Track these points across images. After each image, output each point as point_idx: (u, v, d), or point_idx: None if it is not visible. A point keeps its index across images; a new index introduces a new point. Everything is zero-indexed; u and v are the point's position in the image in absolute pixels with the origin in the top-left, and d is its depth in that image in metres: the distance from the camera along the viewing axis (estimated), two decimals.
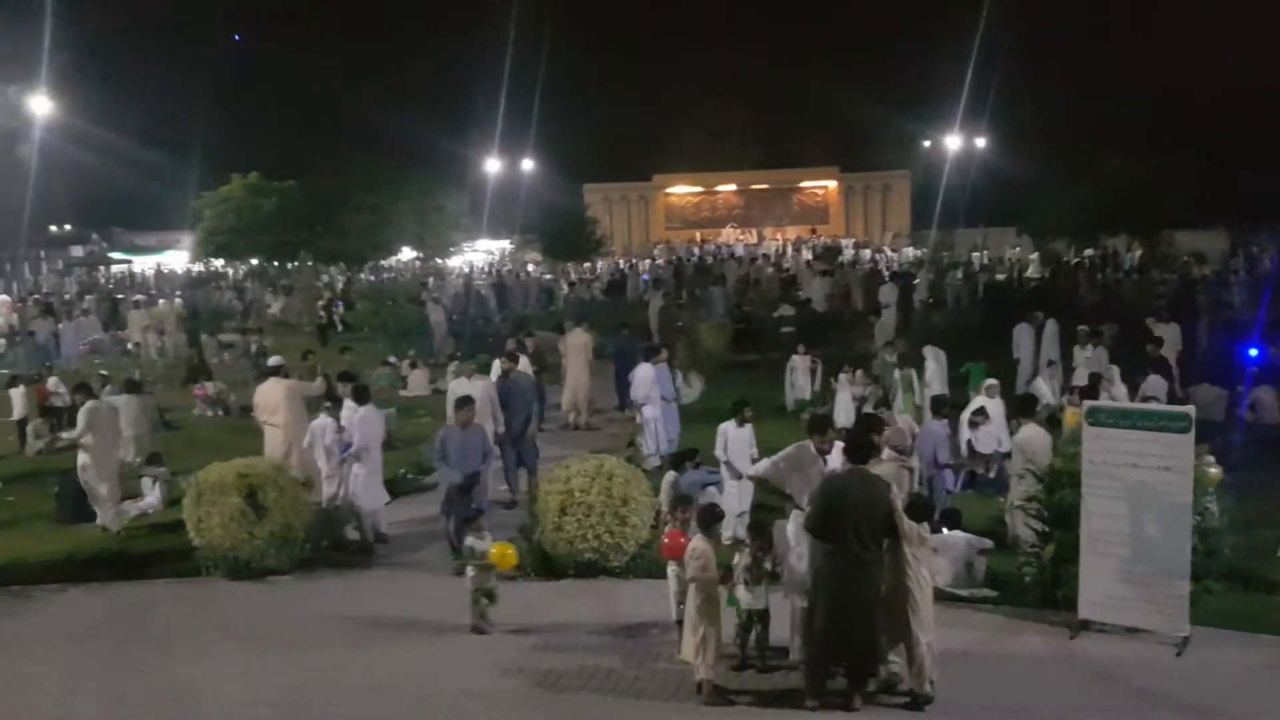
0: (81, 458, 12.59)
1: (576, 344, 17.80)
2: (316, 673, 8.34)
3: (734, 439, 11.23)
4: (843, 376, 16.05)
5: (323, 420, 11.73)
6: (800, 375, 18.09)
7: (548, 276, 47.41)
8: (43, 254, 64.55)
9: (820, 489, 7.49)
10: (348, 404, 12.05)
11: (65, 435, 13.08)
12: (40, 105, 40.98)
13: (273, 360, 14.97)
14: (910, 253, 54.13)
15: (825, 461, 8.12)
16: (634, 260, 57.22)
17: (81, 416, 12.60)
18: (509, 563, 8.95)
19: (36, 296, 41.52)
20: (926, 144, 62.59)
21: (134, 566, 10.97)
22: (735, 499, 10.99)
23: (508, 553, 8.94)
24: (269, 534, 10.48)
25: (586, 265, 52.33)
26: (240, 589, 10.35)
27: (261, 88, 67.32)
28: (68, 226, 69.88)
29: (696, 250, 61.85)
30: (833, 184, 74.84)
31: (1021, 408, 11.60)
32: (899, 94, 63.78)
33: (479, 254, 63.83)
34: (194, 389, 20.42)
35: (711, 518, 8.00)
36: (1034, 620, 8.84)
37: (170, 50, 70.60)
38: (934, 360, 16.08)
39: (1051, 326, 18.45)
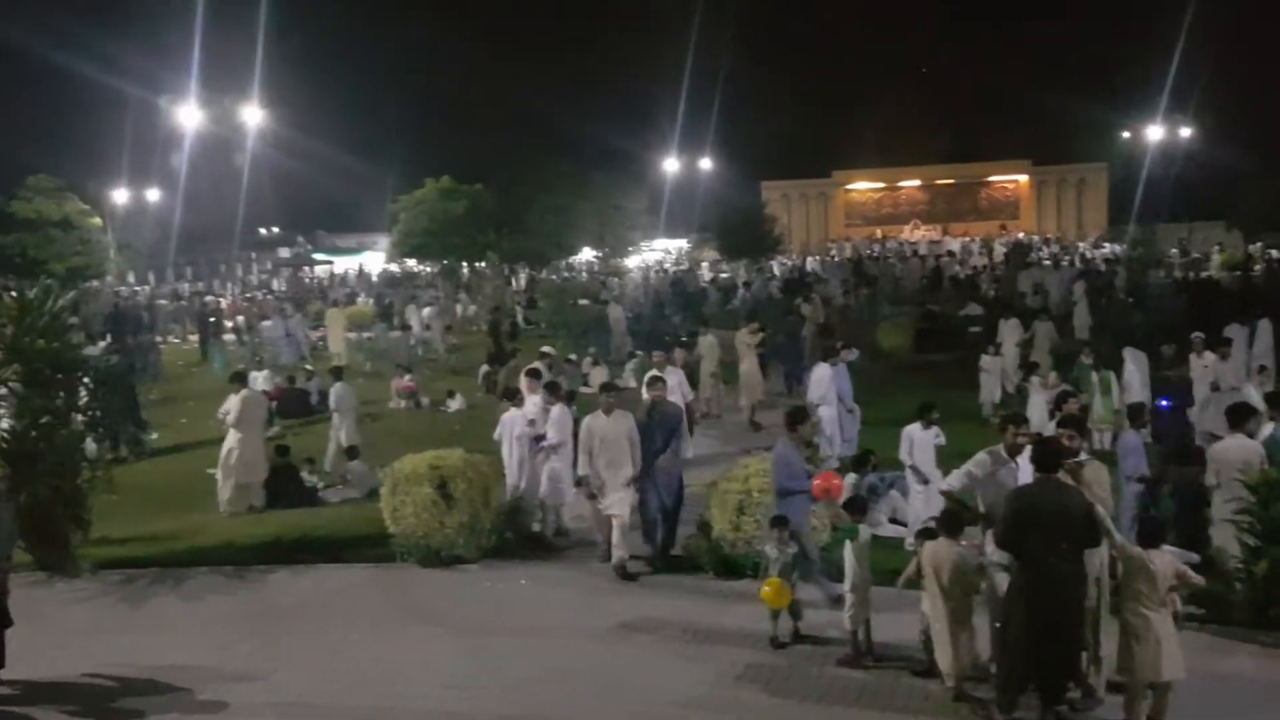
0: (230, 440, 13.52)
1: (746, 342, 17.94)
2: (500, 659, 8.62)
3: (919, 442, 10.93)
4: (1035, 379, 15.40)
5: (511, 414, 12.13)
6: (990, 377, 17.48)
7: (724, 275, 47.43)
8: (253, 255, 69.26)
9: (1008, 500, 7.17)
10: (531, 400, 12.43)
11: (222, 415, 14.08)
12: (252, 115, 43.92)
13: (545, 348, 16.01)
14: (1109, 249, 51.44)
15: (1017, 464, 7.80)
16: (812, 258, 56.59)
17: (234, 404, 13.58)
18: (782, 602, 8.47)
19: (287, 293, 44.44)
20: (1125, 135, 59.30)
21: (335, 550, 11.62)
22: (921, 505, 10.70)
23: (780, 589, 8.41)
24: (458, 524, 10.91)
25: (771, 263, 52.09)
26: (431, 575, 10.81)
27: (455, 94, 70.03)
28: (276, 229, 74.64)
29: (877, 247, 60.64)
30: (1024, 178, 72.01)
31: (1231, 417, 10.73)
32: (1096, 82, 60.77)
33: (656, 253, 64.51)
34: (393, 382, 21.48)
35: (956, 523, 7.70)
36: (1244, 640, 8.28)
37: (370, 60, 74.40)
38: (1133, 363, 15.23)
39: (1265, 328, 17.17)
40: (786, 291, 38.05)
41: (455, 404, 20.34)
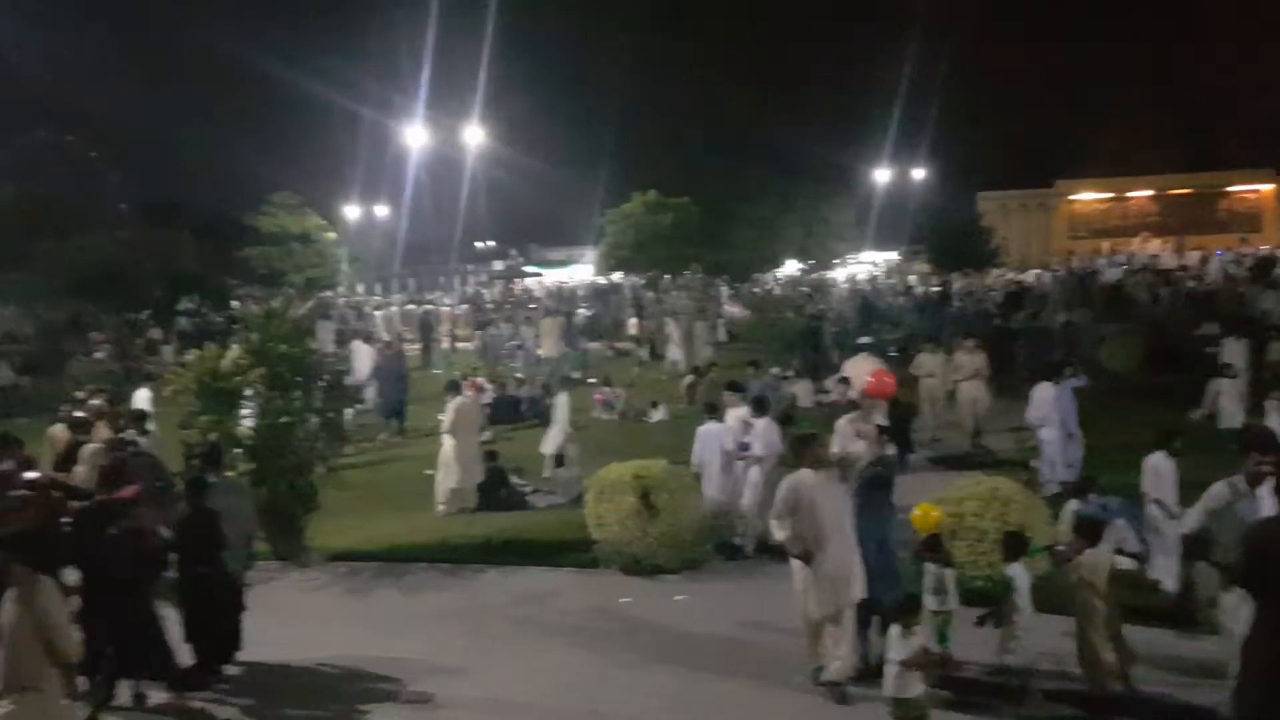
0: (446, 445, 14.06)
1: (965, 363, 17.10)
2: (700, 671, 8.61)
3: (1166, 473, 9.90)
4: (1269, 403, 14.18)
5: (713, 426, 12.14)
6: (1229, 400, 16.19)
7: (936, 288, 45.98)
8: (470, 268, 72.50)
9: (1246, 535, 6.56)
10: (733, 414, 12.41)
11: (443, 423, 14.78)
12: (473, 134, 46.04)
13: (863, 339, 16.16)
14: None
15: (1258, 496, 7.13)
16: (1033, 271, 54.10)
17: (449, 411, 14.20)
18: (930, 522, 8.44)
19: (509, 305, 46.43)
20: None
21: (542, 554, 11.93)
22: (1174, 542, 9.78)
23: (929, 509, 8.49)
24: (660, 533, 11.00)
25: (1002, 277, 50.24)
26: (632, 583, 10.92)
27: (663, 108, 71.05)
28: (491, 242, 77.91)
29: (1103, 261, 57.37)
30: (1268, 187, 66.55)
31: None
32: None
33: (864, 265, 63.38)
34: (595, 394, 21.97)
35: (1096, 530, 7.57)
36: None
37: (580, 77, 76.60)
38: None
39: None
40: (1005, 306, 36.50)
41: (658, 414, 20.58)
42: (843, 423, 9.85)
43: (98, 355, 28.57)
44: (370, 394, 21.74)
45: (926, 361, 17.94)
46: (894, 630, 7.18)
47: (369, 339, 27.18)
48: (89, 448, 11.46)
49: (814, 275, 56.66)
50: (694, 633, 9.52)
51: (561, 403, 16.30)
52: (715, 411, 12.59)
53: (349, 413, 16.01)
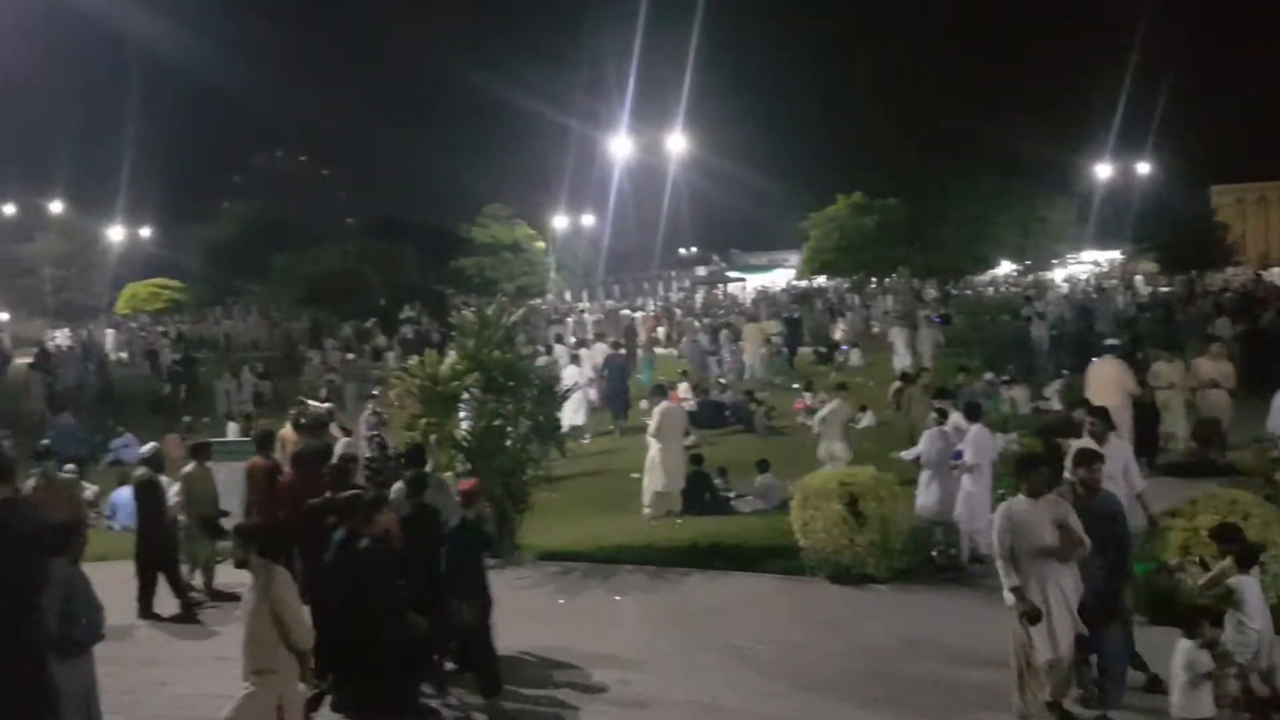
0: (651, 449, 14.30)
1: (1207, 370, 15.79)
2: (914, 686, 8.41)
3: None
4: None
5: (931, 432, 11.83)
6: None
7: (1165, 289, 43.13)
8: (673, 274, 73.49)
9: None
10: (955, 418, 12.06)
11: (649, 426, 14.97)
12: (675, 143, 46.69)
13: (1110, 341, 16.71)
14: None
15: None
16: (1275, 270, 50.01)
17: (655, 415, 14.36)
18: None
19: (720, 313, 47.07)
20: None
21: (746, 559, 11.86)
22: None
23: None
24: (868, 542, 10.77)
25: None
26: (839, 592, 10.75)
27: (870, 108, 70.07)
28: (694, 249, 78.75)
29: None
30: None
31: None
32: None
33: (1084, 265, 60.27)
34: (796, 400, 21.76)
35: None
36: None
37: (785, 82, 76.30)
38: None
39: None
40: (1235, 308, 33.78)
41: (865, 420, 20.18)
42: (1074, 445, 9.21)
43: (349, 356, 30.39)
44: (592, 394, 22.65)
45: (1165, 371, 16.56)
46: (1183, 644, 6.79)
47: (585, 343, 27.95)
48: (341, 444, 12.43)
49: (1030, 276, 54.35)
50: (895, 646, 9.29)
51: (835, 410, 15.45)
52: (945, 416, 12.24)
53: (580, 416, 16.21)
